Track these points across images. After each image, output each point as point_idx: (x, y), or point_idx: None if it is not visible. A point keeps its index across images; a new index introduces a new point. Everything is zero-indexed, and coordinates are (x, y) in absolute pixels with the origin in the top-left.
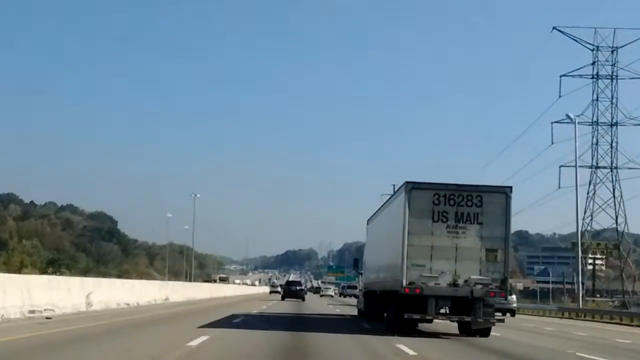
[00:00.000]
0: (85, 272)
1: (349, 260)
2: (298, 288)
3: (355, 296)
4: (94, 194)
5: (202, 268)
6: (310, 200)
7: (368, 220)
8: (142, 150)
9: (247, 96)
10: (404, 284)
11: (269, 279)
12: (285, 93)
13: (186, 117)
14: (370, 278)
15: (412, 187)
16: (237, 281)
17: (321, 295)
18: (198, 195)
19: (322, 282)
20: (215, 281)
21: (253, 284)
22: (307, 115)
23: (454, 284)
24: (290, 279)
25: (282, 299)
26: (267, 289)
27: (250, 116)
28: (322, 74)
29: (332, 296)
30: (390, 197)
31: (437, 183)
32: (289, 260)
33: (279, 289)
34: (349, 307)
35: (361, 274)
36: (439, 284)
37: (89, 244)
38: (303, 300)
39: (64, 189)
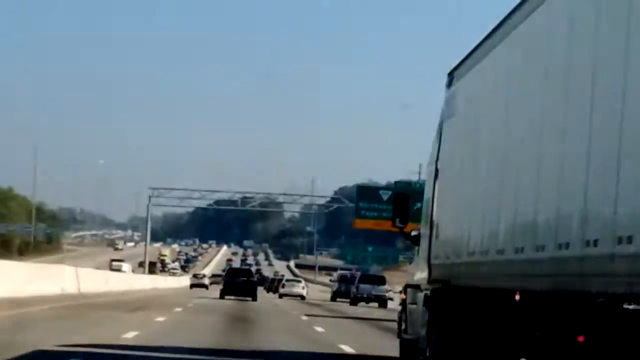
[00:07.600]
0: None
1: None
2: (247, 279)
3: (381, 302)
4: None
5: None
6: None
7: (453, 73)
8: None
9: None
10: None
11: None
12: None
13: None
14: (464, 248)
15: None
16: None
17: (280, 296)
18: None
19: (296, 265)
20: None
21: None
22: None
23: None
24: (234, 266)
25: (222, 295)
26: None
27: None
28: None
29: (302, 297)
30: None
31: None
32: (221, 220)
33: (205, 280)
34: (363, 328)
35: (415, 239)
36: None
37: None
38: (254, 299)
39: None
